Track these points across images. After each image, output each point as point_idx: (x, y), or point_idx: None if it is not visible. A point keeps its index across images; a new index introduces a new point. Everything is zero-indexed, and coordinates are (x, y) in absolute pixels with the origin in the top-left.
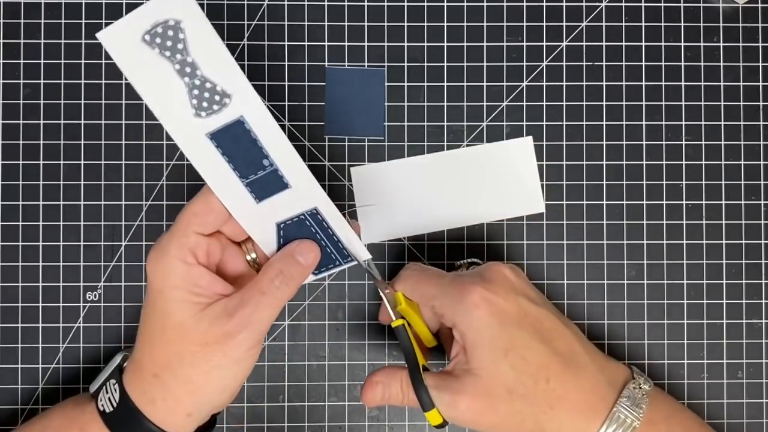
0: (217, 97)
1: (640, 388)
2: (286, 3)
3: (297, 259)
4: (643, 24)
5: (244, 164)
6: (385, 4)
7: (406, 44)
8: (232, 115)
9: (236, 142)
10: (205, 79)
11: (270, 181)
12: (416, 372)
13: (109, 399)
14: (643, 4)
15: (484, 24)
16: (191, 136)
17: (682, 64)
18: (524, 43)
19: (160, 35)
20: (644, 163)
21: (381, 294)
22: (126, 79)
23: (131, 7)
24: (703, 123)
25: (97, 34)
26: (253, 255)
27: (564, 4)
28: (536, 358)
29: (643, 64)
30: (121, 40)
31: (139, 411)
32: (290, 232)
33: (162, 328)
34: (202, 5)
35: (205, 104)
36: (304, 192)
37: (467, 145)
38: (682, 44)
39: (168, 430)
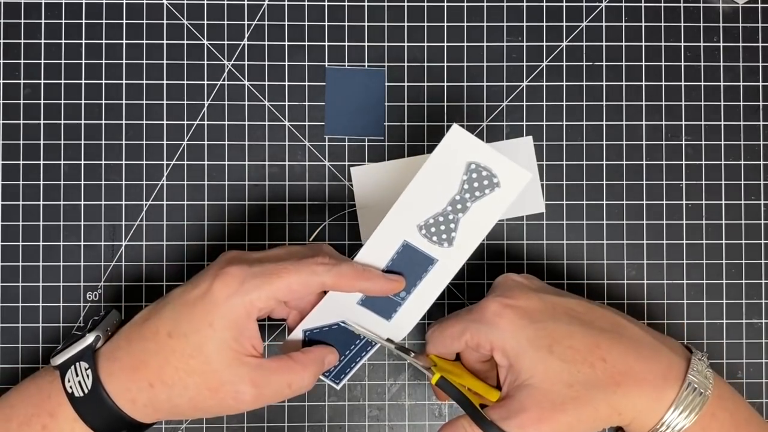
0: (442, 237)
1: (701, 360)
2: (286, 3)
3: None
4: (643, 24)
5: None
6: (385, 4)
7: (406, 44)
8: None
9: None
10: (457, 221)
11: (384, 303)
12: (477, 413)
13: (80, 383)
14: (643, 4)
15: (484, 24)
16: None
17: (682, 64)
18: (524, 43)
19: (476, 171)
20: (644, 163)
21: (410, 361)
22: (125, 79)
23: (131, 7)
24: (703, 123)
25: (454, 125)
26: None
27: (564, 4)
28: (583, 341)
29: (643, 64)
30: (456, 146)
31: (114, 404)
32: (332, 335)
33: (188, 356)
34: (201, 6)
35: (433, 230)
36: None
37: None
38: (682, 44)
39: (137, 421)
